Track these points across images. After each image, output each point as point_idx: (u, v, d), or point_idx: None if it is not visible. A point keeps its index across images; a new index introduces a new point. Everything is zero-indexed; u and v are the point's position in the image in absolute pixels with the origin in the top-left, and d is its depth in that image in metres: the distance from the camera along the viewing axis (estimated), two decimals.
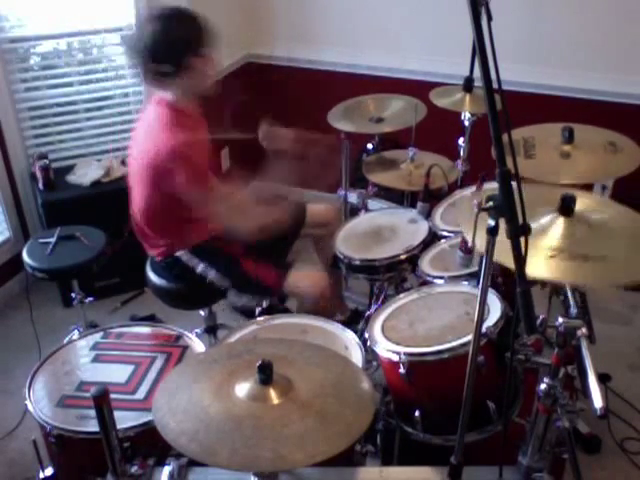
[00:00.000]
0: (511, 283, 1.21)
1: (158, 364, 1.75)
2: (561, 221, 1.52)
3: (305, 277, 2.19)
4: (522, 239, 1.13)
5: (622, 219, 1.59)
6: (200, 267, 2.17)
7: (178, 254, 2.17)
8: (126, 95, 3.34)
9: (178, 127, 1.99)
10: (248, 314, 2.29)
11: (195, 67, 1.96)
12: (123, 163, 3.24)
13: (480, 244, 1.23)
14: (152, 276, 2.27)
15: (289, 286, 2.16)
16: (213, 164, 2.16)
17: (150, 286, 2.30)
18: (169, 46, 1.92)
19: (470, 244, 1.85)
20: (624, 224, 1.57)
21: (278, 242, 2.40)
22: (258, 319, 1.93)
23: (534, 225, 1.43)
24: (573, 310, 1.70)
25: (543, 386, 1.31)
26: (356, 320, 2.42)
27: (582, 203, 1.55)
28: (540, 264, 1.40)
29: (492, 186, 1.21)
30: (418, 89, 2.70)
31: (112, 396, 1.29)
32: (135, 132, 2.18)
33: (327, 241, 2.44)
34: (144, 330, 1.92)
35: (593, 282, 1.46)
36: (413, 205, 2.47)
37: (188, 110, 2.06)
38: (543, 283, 1.93)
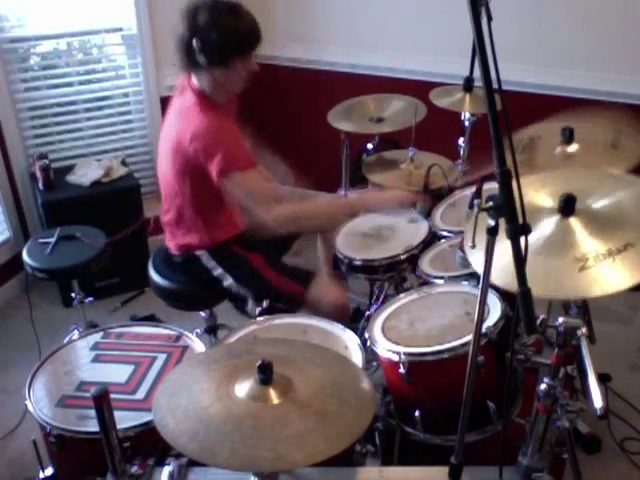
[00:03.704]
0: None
1: (158, 364, 1.75)
2: (565, 223, 1.50)
3: (326, 290, 2.15)
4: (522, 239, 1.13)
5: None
6: (218, 271, 2.16)
7: (198, 253, 2.16)
8: (126, 95, 3.34)
9: (208, 110, 1.97)
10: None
11: (234, 66, 1.96)
12: (123, 163, 3.24)
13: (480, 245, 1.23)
14: (154, 276, 2.27)
15: (310, 298, 2.12)
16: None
17: (152, 286, 2.30)
18: (218, 38, 1.90)
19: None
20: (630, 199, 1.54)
21: (278, 241, 2.41)
22: (258, 319, 1.93)
23: (539, 239, 1.43)
24: (573, 310, 1.71)
25: (543, 386, 1.31)
26: (357, 319, 2.42)
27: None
28: (574, 282, 1.36)
29: (492, 186, 1.20)
30: (418, 89, 2.70)
31: (112, 396, 1.29)
32: (165, 121, 2.14)
33: (331, 231, 2.45)
34: (144, 330, 1.92)
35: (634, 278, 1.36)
36: (413, 205, 2.47)
37: (214, 99, 2.03)
38: None
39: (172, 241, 2.22)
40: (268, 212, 2.00)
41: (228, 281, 2.16)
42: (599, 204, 1.54)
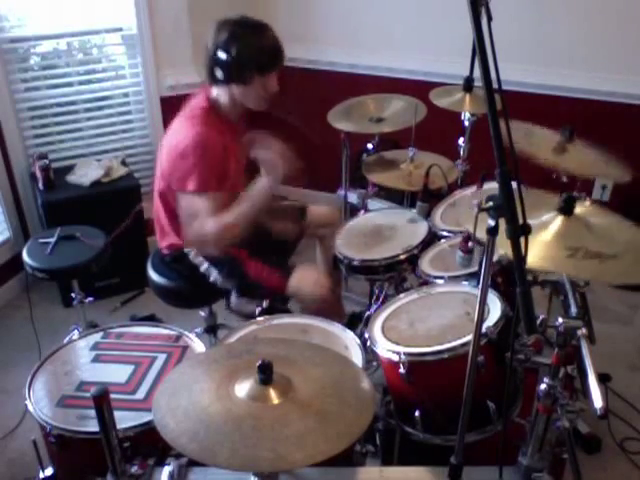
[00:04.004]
0: (511, 283, 1.21)
1: (158, 364, 1.75)
2: (562, 221, 1.53)
3: (307, 278, 2.18)
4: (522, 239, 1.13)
5: (618, 226, 1.61)
6: (204, 266, 2.18)
7: (186, 250, 2.19)
8: (126, 95, 3.34)
9: (211, 123, 1.99)
10: (246, 317, 2.28)
11: (253, 84, 1.97)
12: (123, 163, 3.24)
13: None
14: (153, 275, 2.27)
15: (291, 288, 2.14)
16: (236, 179, 2.13)
17: (151, 285, 2.30)
18: (237, 55, 1.91)
19: (471, 244, 1.85)
20: (620, 229, 1.59)
21: (281, 244, 2.42)
22: (258, 319, 1.93)
23: (535, 223, 1.45)
24: (573, 310, 1.71)
25: (543, 386, 1.31)
26: (354, 324, 2.42)
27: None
28: (559, 261, 1.43)
29: (492, 186, 1.21)
30: (418, 89, 2.70)
31: (112, 396, 1.29)
32: (172, 122, 2.15)
33: (330, 240, 2.46)
34: (144, 330, 1.92)
35: (613, 279, 1.49)
36: (413, 205, 2.47)
37: (225, 114, 2.06)
38: (543, 283, 1.94)
39: (161, 240, 2.25)
40: (204, 227, 1.96)
41: (213, 275, 2.18)
42: (593, 220, 1.58)
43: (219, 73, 1.95)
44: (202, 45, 1.99)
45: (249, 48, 1.93)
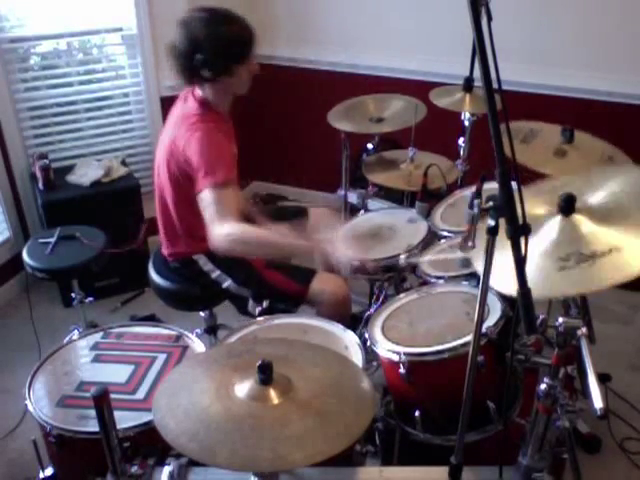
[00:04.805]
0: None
1: (158, 364, 1.75)
2: (560, 222, 1.45)
3: (329, 282, 2.16)
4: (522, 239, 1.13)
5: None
6: (216, 273, 2.16)
7: (195, 257, 2.16)
8: (126, 95, 3.34)
9: (208, 120, 1.98)
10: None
11: (238, 73, 1.97)
12: (123, 163, 3.24)
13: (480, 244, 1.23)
14: (154, 276, 2.27)
15: (313, 293, 2.12)
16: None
17: (152, 286, 2.30)
18: (221, 51, 1.91)
19: (470, 244, 1.85)
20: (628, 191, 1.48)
21: None
22: (258, 319, 1.93)
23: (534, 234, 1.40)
24: (573, 310, 1.71)
25: (543, 386, 1.31)
26: (355, 326, 2.41)
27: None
28: (551, 281, 1.32)
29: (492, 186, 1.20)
30: (418, 89, 2.70)
31: (112, 396, 1.29)
32: (164, 127, 2.15)
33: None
34: (144, 330, 1.92)
35: (609, 282, 1.28)
36: (413, 205, 2.47)
37: (218, 109, 2.05)
38: None
39: (168, 247, 2.22)
40: (221, 228, 1.88)
41: (227, 282, 2.16)
42: (597, 199, 1.47)
43: (206, 73, 1.93)
44: (168, 48, 1.96)
45: (231, 40, 1.92)
